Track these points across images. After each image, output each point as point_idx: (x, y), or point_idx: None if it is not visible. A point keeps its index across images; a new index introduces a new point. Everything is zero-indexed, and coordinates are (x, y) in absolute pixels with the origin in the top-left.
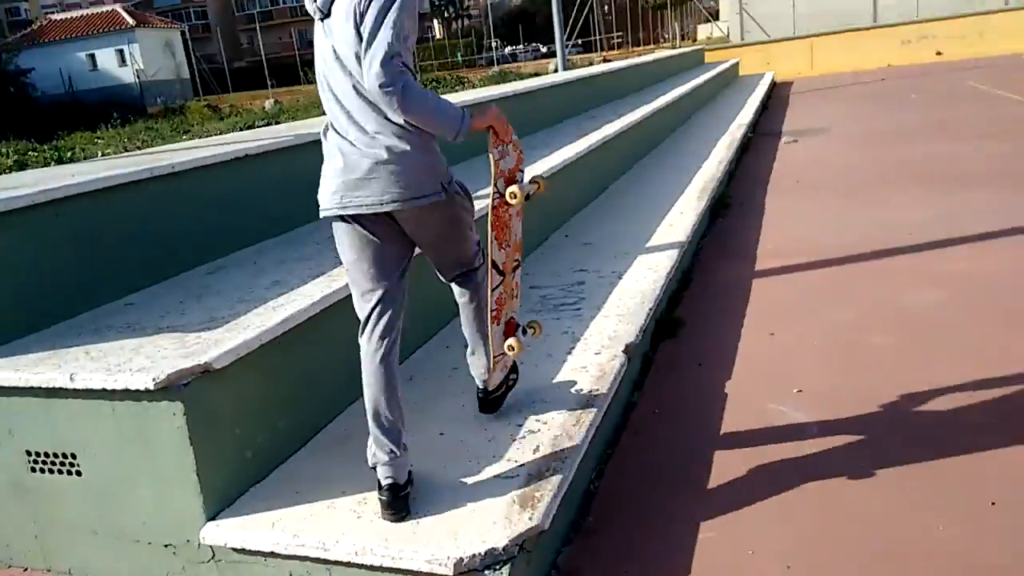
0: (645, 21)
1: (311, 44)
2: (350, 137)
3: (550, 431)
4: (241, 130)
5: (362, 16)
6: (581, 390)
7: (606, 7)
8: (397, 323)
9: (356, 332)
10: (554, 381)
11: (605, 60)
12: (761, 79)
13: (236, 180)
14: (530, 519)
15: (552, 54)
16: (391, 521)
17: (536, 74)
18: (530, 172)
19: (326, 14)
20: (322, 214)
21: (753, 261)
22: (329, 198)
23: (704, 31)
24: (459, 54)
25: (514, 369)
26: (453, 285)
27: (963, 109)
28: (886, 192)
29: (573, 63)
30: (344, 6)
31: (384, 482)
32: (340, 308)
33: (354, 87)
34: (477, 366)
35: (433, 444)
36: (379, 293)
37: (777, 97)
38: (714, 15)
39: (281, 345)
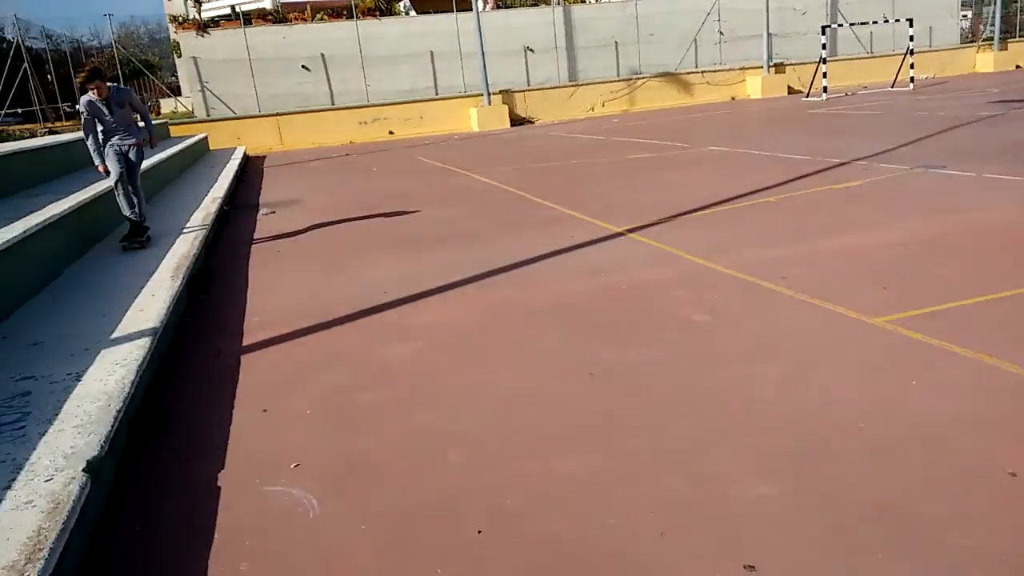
0: None
1: None
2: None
3: None
4: None
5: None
6: (26, 533)
7: (48, 75)
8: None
9: None
10: None
11: (51, 131)
12: (233, 153)
13: None
14: None
15: None
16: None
17: None
18: None
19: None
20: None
21: (241, 336)
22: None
23: (168, 105)
24: None
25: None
26: None
27: (415, 179)
28: (360, 256)
29: (11, 133)
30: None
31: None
32: None
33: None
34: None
35: None
36: None
37: (252, 170)
38: (175, 90)
39: None
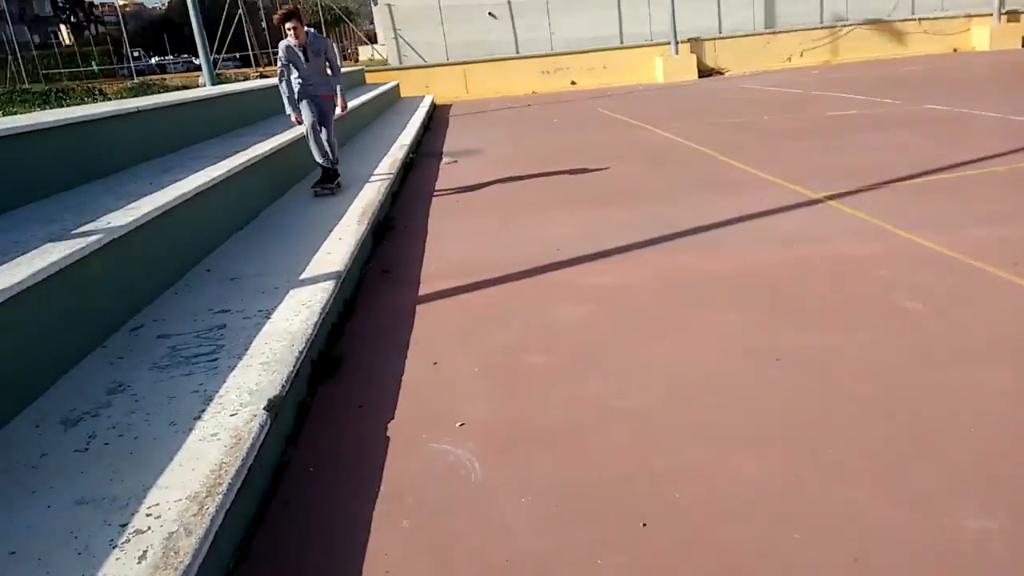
0: None
1: None
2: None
3: (163, 528)
4: None
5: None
6: (209, 466)
7: (262, 23)
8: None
9: None
10: (175, 459)
11: (262, 76)
12: (422, 101)
13: None
14: None
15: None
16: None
17: (184, 87)
18: (164, 198)
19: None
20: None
21: (417, 285)
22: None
23: (366, 52)
24: (94, 63)
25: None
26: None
27: (596, 133)
28: (537, 210)
29: (227, 77)
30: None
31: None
32: None
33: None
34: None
35: None
36: None
37: (438, 118)
38: (372, 38)
39: None
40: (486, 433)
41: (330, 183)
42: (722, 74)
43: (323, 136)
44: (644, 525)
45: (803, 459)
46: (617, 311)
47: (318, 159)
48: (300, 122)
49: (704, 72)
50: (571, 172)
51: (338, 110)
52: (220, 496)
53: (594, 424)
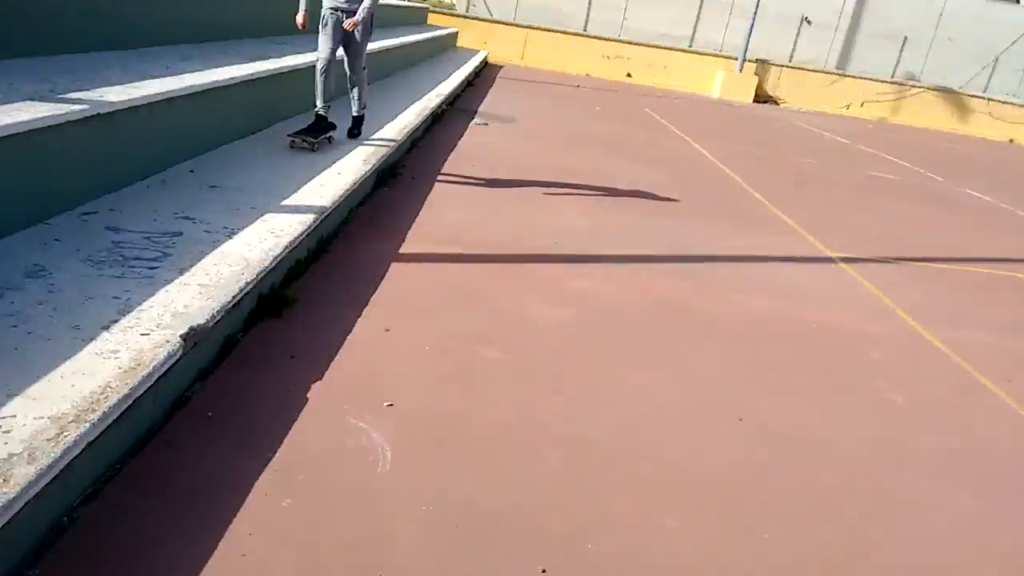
0: None
1: None
2: None
3: (7, 446)
4: None
5: None
6: (91, 386)
7: None
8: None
9: None
10: (58, 369)
11: None
12: (475, 55)
13: None
14: None
15: None
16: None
17: None
18: (171, 86)
19: None
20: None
21: (401, 242)
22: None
23: None
24: None
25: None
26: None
27: (633, 132)
28: (549, 196)
29: None
30: None
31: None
32: None
33: None
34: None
35: None
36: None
37: (485, 77)
38: None
39: None
40: (412, 421)
41: (314, 136)
42: (777, 104)
43: (350, 75)
44: (543, 572)
45: (731, 528)
46: (592, 322)
47: (317, 103)
48: (305, 26)
49: (761, 98)
50: (596, 165)
51: (348, 22)
52: (87, 426)
53: (529, 443)
